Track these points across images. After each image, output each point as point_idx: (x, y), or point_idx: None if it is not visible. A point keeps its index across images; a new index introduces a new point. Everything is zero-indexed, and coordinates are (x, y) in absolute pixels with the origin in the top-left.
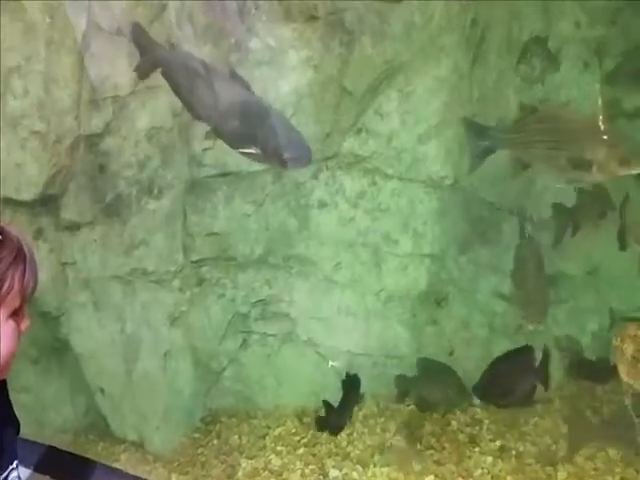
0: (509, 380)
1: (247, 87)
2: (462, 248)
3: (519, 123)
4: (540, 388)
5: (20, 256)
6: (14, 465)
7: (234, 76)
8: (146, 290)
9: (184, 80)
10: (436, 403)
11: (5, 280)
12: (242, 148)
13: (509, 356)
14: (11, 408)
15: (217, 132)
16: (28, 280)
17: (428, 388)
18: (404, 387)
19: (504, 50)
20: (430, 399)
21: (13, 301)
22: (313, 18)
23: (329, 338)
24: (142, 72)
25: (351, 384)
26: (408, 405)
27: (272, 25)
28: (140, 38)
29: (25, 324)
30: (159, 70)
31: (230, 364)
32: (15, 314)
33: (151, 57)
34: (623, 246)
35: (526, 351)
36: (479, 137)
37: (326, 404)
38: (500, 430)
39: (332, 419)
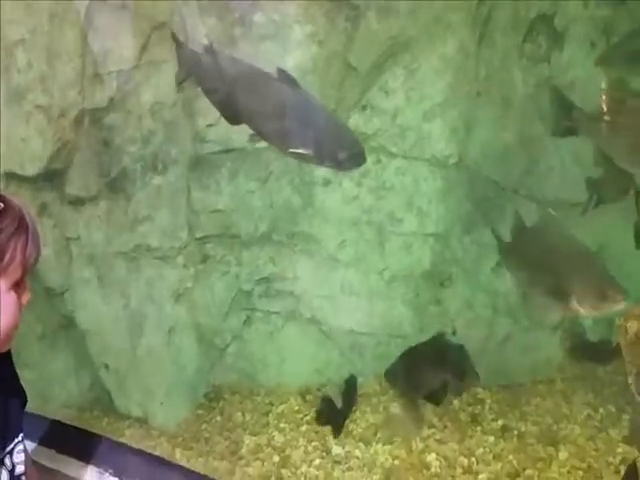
0: (419, 369)
1: (295, 85)
2: (466, 228)
3: (605, 112)
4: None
5: (22, 226)
6: (19, 438)
7: (281, 74)
8: (150, 266)
9: (220, 84)
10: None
11: (7, 250)
12: (292, 149)
13: (423, 345)
14: (17, 380)
15: (262, 134)
16: (30, 251)
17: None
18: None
19: (510, 29)
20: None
21: (15, 272)
22: None
23: (332, 316)
24: (179, 82)
25: (350, 386)
26: None
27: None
28: (177, 48)
29: (26, 296)
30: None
31: (233, 341)
32: (17, 285)
33: (186, 66)
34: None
35: (438, 341)
36: (563, 115)
37: (327, 401)
38: (502, 410)
39: (333, 418)
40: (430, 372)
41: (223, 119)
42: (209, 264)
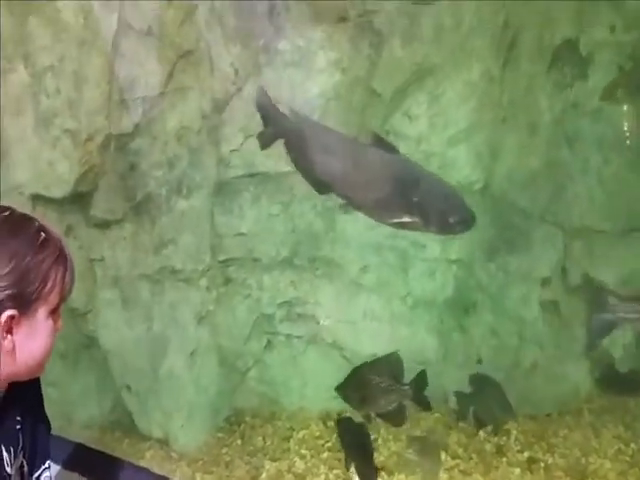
0: (370, 388)
1: (393, 150)
2: (491, 254)
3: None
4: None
5: (62, 256)
6: (47, 465)
7: (378, 140)
8: (174, 289)
9: (311, 152)
10: (488, 421)
11: (49, 279)
12: (395, 219)
13: (375, 363)
14: (44, 407)
15: (356, 203)
16: (68, 281)
17: (482, 406)
18: (464, 404)
19: (535, 54)
20: (484, 417)
21: (53, 300)
22: (342, 20)
23: (354, 342)
24: (264, 143)
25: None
26: (434, 414)
27: (301, 27)
28: (264, 105)
29: (60, 323)
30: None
31: (255, 364)
32: (53, 312)
33: (273, 129)
34: None
35: (393, 359)
36: None
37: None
38: (528, 441)
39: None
40: (385, 391)
41: (246, 144)
42: (231, 287)
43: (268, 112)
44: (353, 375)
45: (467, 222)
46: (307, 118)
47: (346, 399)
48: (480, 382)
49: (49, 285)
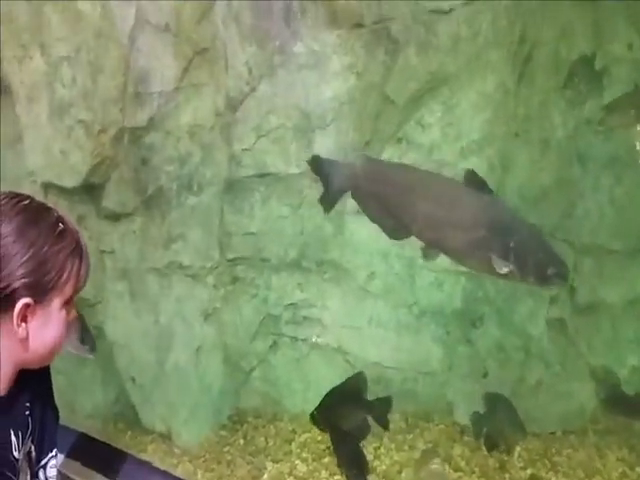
0: (340, 409)
1: (486, 190)
2: None
3: None
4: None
5: (78, 248)
6: (53, 453)
7: (470, 176)
8: (182, 284)
9: (385, 195)
10: (501, 441)
11: (65, 270)
12: (487, 265)
13: (344, 385)
14: (53, 396)
15: (442, 247)
16: (83, 273)
17: (495, 426)
18: (479, 424)
19: (551, 69)
20: (496, 437)
21: (68, 291)
22: (358, 25)
23: (359, 348)
24: (329, 204)
25: None
26: (437, 425)
27: (317, 30)
28: (320, 167)
29: (72, 314)
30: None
31: (259, 365)
32: (66, 303)
33: (337, 185)
34: None
35: (356, 381)
36: None
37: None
38: (532, 458)
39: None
40: (349, 410)
41: (258, 144)
42: (238, 286)
43: (327, 171)
44: (324, 402)
45: (564, 276)
46: (381, 161)
47: (318, 425)
48: (494, 402)
49: (65, 276)
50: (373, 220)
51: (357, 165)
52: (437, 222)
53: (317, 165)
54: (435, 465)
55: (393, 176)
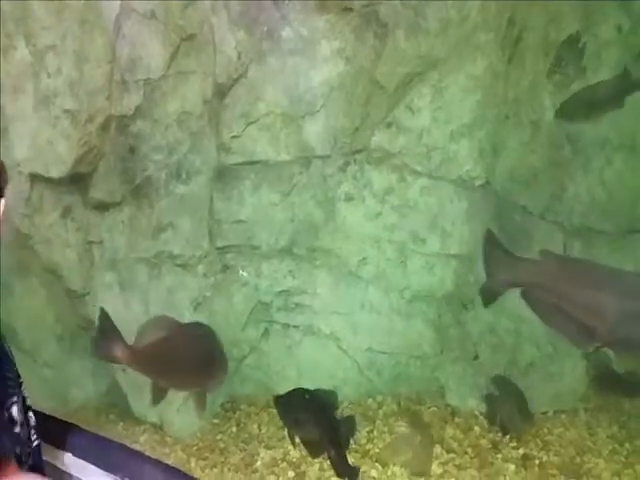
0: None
1: None
2: None
3: None
4: None
5: None
6: (14, 399)
7: None
8: (171, 273)
9: (572, 294)
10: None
11: None
12: None
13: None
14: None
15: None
16: None
17: (506, 412)
18: (493, 407)
19: (540, 51)
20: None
21: None
22: (347, 10)
23: (351, 333)
24: (490, 297)
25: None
26: (429, 408)
27: (306, 15)
28: (491, 250)
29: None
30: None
31: (251, 352)
32: None
33: (504, 277)
34: None
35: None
36: None
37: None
38: (524, 438)
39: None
40: (311, 422)
41: (247, 131)
42: (229, 274)
43: (498, 258)
44: (291, 394)
45: None
46: (564, 256)
47: (280, 413)
48: (504, 386)
49: None
50: (552, 325)
51: (529, 261)
52: (629, 322)
53: (489, 247)
54: (402, 428)
55: (581, 274)
